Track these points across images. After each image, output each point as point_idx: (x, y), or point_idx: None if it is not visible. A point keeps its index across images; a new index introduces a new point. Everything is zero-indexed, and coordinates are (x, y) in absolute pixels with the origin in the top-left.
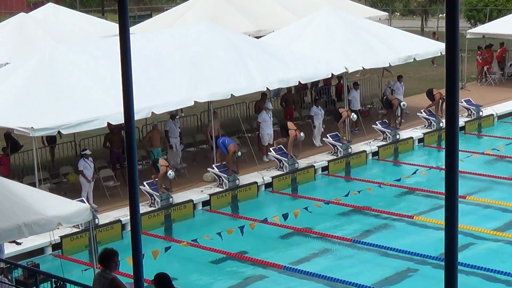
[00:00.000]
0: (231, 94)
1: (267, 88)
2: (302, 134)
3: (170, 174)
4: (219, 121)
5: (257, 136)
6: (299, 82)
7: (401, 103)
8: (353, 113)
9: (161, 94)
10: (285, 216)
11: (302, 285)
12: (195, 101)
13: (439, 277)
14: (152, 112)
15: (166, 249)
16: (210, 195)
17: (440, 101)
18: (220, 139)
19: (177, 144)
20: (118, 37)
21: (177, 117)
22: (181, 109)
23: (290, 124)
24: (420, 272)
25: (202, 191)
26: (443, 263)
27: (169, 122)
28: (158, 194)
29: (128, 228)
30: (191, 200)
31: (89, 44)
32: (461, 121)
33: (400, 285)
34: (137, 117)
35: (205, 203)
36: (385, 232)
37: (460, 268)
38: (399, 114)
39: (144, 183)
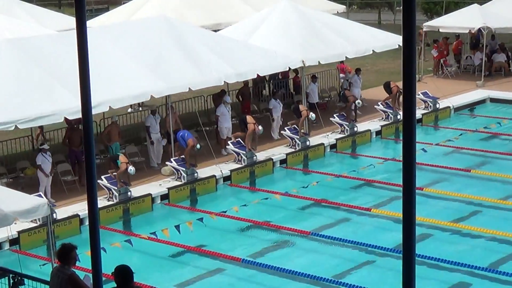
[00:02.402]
0: (189, 88)
1: (225, 82)
2: (260, 127)
3: (131, 170)
4: (176, 114)
5: (215, 130)
6: (257, 75)
7: (356, 101)
8: (312, 113)
9: (118, 88)
10: (244, 209)
11: (260, 277)
12: (151, 96)
13: (397, 269)
14: (110, 107)
15: (125, 242)
16: (169, 188)
17: (398, 93)
18: (179, 132)
19: (160, 139)
20: (75, 31)
21: (158, 112)
22: (139, 103)
23: (249, 118)
24: (378, 264)
25: (161, 184)
26: (401, 255)
27: (150, 118)
28: (116, 188)
29: (86, 222)
30: (150, 194)
31: (48, 37)
32: (418, 113)
33: (358, 277)
34: (94, 111)
35: (164, 197)
36: (343, 224)
37: (418, 260)
38: (353, 108)
39: (102, 177)
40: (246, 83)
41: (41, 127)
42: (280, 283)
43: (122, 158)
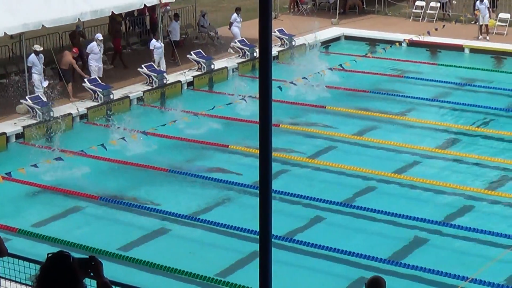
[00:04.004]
0: (42, 25)
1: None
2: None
3: None
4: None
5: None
6: (112, 12)
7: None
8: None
9: None
10: (103, 147)
11: (118, 215)
12: (5, 33)
13: (254, 205)
14: None
15: None
16: (24, 127)
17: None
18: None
19: (42, 80)
20: None
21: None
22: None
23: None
24: (237, 200)
25: (15, 123)
26: (257, 191)
27: (32, 57)
28: None
29: None
30: (4, 133)
31: None
32: (274, 51)
33: (216, 214)
34: None
35: (19, 136)
36: (202, 161)
37: (275, 196)
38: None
39: None
40: (116, 19)
41: None
42: (136, 219)
43: None
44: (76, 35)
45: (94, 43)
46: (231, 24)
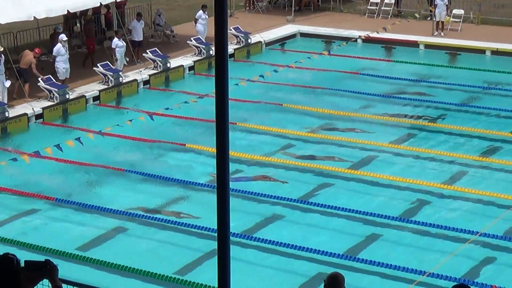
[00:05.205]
0: None
1: (34, 17)
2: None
3: None
4: None
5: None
6: (68, 11)
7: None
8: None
9: None
10: (59, 148)
11: (75, 215)
12: None
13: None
14: None
15: None
16: None
17: None
18: None
19: (3, 81)
20: None
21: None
22: None
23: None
24: (193, 198)
25: None
26: (215, 189)
27: None
28: None
29: None
30: None
31: None
32: (231, 49)
33: (174, 212)
34: None
35: None
36: (159, 161)
37: (233, 193)
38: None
39: None
40: (90, 19)
41: None
42: (94, 220)
43: None
44: (56, 35)
45: (59, 44)
46: (196, 21)
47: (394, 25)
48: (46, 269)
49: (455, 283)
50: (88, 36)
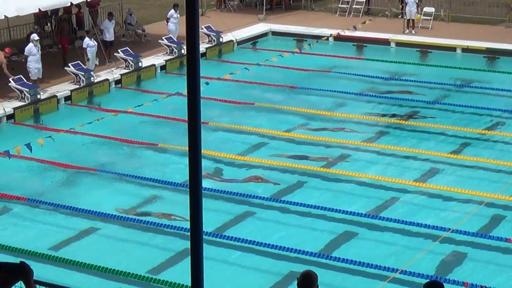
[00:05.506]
0: None
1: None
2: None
3: None
4: None
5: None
6: (39, 10)
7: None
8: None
9: None
10: (29, 148)
11: (47, 215)
12: None
13: (184, 203)
14: None
15: None
16: None
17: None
18: None
19: None
20: None
21: None
22: None
23: None
24: (166, 198)
25: None
26: (187, 189)
27: None
28: None
29: None
30: None
31: None
32: (202, 48)
33: (146, 212)
34: None
35: None
36: (131, 160)
37: (206, 193)
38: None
39: None
40: (65, 18)
41: None
42: (66, 220)
43: None
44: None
45: (31, 44)
46: (167, 20)
47: (365, 24)
48: (21, 271)
49: (427, 280)
50: (61, 35)
